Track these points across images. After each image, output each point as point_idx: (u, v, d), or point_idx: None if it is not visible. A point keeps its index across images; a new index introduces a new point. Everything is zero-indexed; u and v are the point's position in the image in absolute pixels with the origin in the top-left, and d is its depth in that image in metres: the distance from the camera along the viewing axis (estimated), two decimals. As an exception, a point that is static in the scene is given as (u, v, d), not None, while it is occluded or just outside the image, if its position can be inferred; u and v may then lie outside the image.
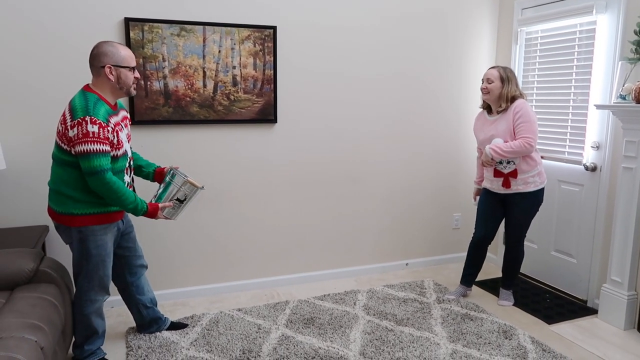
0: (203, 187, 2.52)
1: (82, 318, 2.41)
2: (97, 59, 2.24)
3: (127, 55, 2.28)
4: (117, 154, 2.25)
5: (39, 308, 2.04)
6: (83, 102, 2.15)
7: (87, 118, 2.11)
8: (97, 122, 2.12)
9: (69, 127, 2.14)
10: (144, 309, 2.73)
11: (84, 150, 2.11)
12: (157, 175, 2.60)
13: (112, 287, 2.94)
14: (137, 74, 2.33)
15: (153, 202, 2.43)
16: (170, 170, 2.48)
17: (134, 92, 2.36)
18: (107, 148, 2.16)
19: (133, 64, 2.31)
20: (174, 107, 3.11)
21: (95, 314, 2.44)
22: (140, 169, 2.60)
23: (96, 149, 2.12)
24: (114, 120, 2.25)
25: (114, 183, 2.19)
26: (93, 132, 2.11)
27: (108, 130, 2.17)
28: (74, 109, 2.15)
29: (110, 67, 2.23)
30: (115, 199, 2.22)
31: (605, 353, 2.69)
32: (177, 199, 2.45)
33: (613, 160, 3.11)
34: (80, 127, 2.10)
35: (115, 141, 2.22)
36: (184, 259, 3.33)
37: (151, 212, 2.36)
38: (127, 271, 2.62)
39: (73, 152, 2.16)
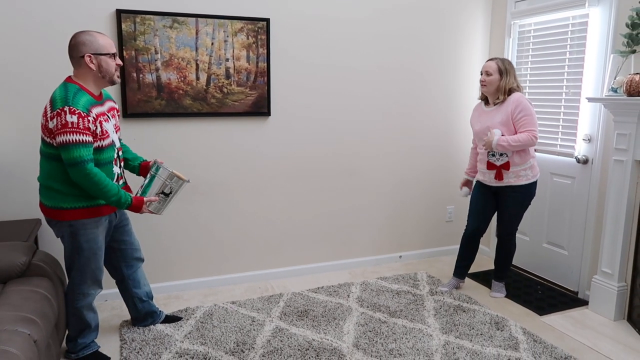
0: (189, 181, 2.48)
1: (74, 312, 2.41)
2: (75, 49, 2.20)
3: (105, 43, 2.23)
4: (102, 145, 2.21)
5: (31, 301, 2.03)
6: (63, 93, 2.13)
7: (66, 108, 2.08)
8: (77, 112, 2.09)
9: (49, 119, 2.11)
10: (140, 303, 2.73)
11: (63, 141, 2.08)
12: (143, 169, 2.57)
13: (106, 281, 2.93)
14: (118, 61, 2.29)
15: (138, 195, 2.39)
16: (155, 164, 2.43)
17: (118, 80, 2.32)
18: (88, 138, 2.12)
19: (113, 50, 2.26)
20: (167, 100, 3.10)
21: (87, 308, 2.44)
22: (127, 162, 2.57)
23: (75, 140, 2.08)
24: (97, 110, 2.21)
25: (95, 175, 2.15)
26: (72, 122, 2.07)
27: (89, 121, 2.12)
28: (54, 100, 2.12)
29: (90, 56, 2.19)
30: (97, 190, 2.18)
31: (595, 343, 2.73)
32: (163, 193, 2.39)
33: (604, 152, 3.13)
34: (59, 117, 2.08)
35: (99, 131, 2.19)
36: (177, 252, 3.32)
37: (135, 205, 2.31)
38: (123, 264, 2.62)
39: (55, 144, 2.13)
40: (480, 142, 3.15)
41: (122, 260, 2.61)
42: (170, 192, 2.41)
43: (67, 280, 2.43)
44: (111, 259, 2.59)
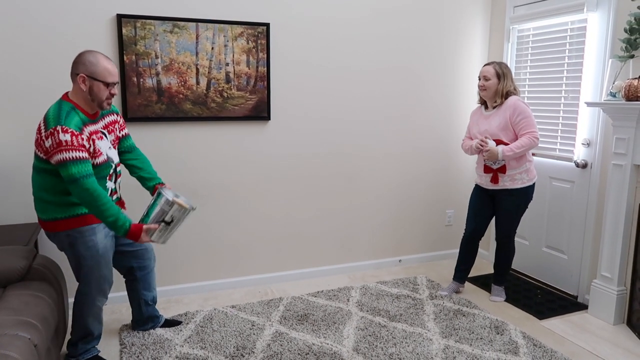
0: (194, 208, 2.35)
1: (79, 319, 2.42)
2: (74, 66, 2.21)
3: (104, 70, 2.20)
4: (95, 162, 2.22)
5: (32, 305, 2.03)
6: (56, 112, 2.14)
7: (59, 127, 2.09)
8: (69, 130, 2.10)
9: (44, 138, 2.13)
10: (145, 306, 2.73)
11: (60, 159, 2.09)
12: (155, 191, 2.52)
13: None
14: (114, 91, 2.25)
15: (138, 222, 2.30)
16: (158, 190, 2.34)
17: (107, 107, 2.28)
18: (84, 155, 2.13)
19: (110, 79, 2.22)
20: (167, 104, 3.11)
21: (93, 317, 2.44)
22: (144, 181, 2.55)
23: (71, 157, 2.09)
24: (90, 129, 2.23)
25: (95, 190, 2.12)
26: (66, 141, 2.09)
27: (82, 138, 2.14)
28: (48, 118, 2.14)
29: (83, 77, 2.18)
30: (95, 207, 2.14)
31: (595, 347, 2.73)
32: (164, 221, 2.27)
33: (603, 157, 3.14)
34: (53, 137, 2.09)
35: (91, 150, 2.20)
36: (177, 256, 3.32)
37: (133, 232, 2.21)
38: (136, 265, 2.62)
39: (53, 163, 2.14)
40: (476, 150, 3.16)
41: (133, 261, 2.61)
42: (172, 221, 2.28)
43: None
44: (123, 261, 2.59)
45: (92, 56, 2.20)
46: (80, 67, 2.19)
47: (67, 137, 2.09)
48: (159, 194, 2.30)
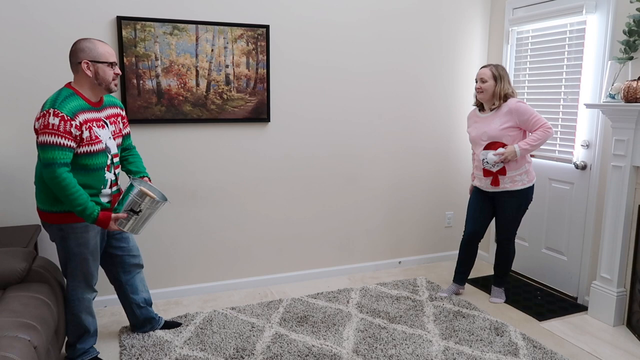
0: (165, 200, 2.37)
1: (72, 317, 2.42)
2: (74, 55, 2.23)
3: (104, 51, 2.25)
4: (91, 150, 2.22)
5: (31, 307, 2.03)
6: (54, 96, 2.17)
7: (51, 110, 2.11)
8: (60, 114, 2.11)
9: (37, 120, 2.15)
10: (137, 309, 2.72)
11: (41, 141, 2.11)
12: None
13: (107, 286, 2.93)
14: (117, 70, 2.30)
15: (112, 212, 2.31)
16: (130, 181, 2.35)
17: (115, 88, 2.32)
18: (67, 142, 2.13)
19: (112, 59, 2.27)
20: (167, 106, 3.11)
21: (86, 313, 2.44)
22: (130, 175, 2.56)
23: (52, 141, 2.10)
24: (87, 116, 2.22)
25: (64, 179, 2.13)
26: (53, 124, 2.10)
27: (71, 125, 2.14)
28: (45, 103, 2.18)
29: (87, 63, 2.21)
30: (63, 196, 2.15)
31: (594, 349, 2.73)
32: (132, 210, 2.27)
33: (603, 158, 3.14)
34: (43, 118, 2.11)
35: (85, 136, 2.19)
36: (177, 258, 3.32)
37: (102, 220, 2.21)
38: (120, 270, 2.62)
39: (38, 143, 2.15)
40: (477, 149, 3.16)
41: (119, 267, 2.61)
42: (140, 211, 2.28)
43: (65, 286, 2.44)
44: (108, 265, 2.60)
45: (88, 42, 2.24)
46: (80, 54, 2.22)
47: (56, 120, 2.10)
48: (131, 185, 2.30)
